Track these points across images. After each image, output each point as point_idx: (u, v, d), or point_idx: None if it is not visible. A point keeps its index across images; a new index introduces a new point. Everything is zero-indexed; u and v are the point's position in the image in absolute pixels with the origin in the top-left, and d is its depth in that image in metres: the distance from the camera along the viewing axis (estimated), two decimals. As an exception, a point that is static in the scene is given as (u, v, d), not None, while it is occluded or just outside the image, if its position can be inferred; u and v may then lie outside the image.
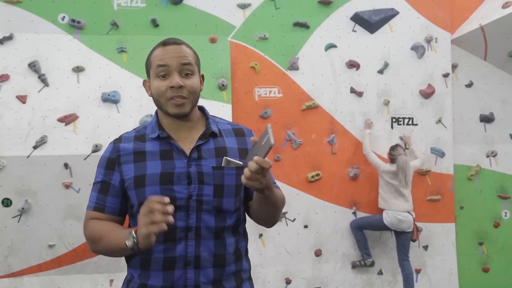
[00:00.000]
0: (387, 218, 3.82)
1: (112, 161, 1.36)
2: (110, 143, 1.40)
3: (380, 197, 3.92)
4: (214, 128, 1.38)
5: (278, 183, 1.56)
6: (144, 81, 1.42)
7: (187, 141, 1.35)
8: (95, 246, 1.33)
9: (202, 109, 1.45)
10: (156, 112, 1.41)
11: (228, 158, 1.26)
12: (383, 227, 3.88)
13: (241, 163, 1.28)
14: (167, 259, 1.28)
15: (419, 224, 3.97)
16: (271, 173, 1.43)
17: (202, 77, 1.42)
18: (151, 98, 1.39)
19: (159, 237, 1.25)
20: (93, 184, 1.39)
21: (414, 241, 3.90)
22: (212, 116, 1.45)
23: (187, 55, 1.33)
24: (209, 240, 1.30)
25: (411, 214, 3.81)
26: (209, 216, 1.31)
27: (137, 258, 1.32)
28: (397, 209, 3.78)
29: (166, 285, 1.28)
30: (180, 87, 1.29)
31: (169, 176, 1.29)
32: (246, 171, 1.15)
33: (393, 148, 3.91)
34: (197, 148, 1.33)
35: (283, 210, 3.87)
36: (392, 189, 3.82)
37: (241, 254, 1.40)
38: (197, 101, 1.37)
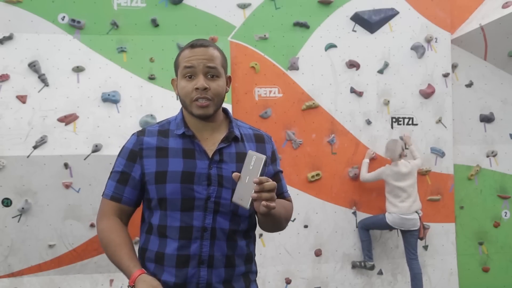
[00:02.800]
0: (390, 217, 3.83)
1: (134, 153, 1.38)
2: (133, 135, 1.43)
3: (387, 202, 3.89)
4: (237, 132, 1.41)
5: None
6: (172, 80, 1.45)
7: (209, 142, 1.38)
8: (103, 249, 1.36)
9: (225, 112, 1.48)
10: (182, 110, 1.44)
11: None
12: (387, 226, 3.89)
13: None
14: (181, 256, 1.31)
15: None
16: (284, 181, 1.50)
17: (229, 78, 1.45)
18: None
19: (174, 233, 1.31)
20: (112, 172, 1.41)
21: (421, 239, 3.90)
22: (235, 119, 1.48)
23: (214, 57, 1.36)
24: (222, 241, 1.33)
25: (417, 213, 3.81)
26: (225, 219, 1.34)
27: (152, 251, 1.35)
28: (406, 212, 3.76)
29: (179, 282, 1.31)
30: (205, 89, 1.32)
31: (190, 175, 1.32)
32: (255, 196, 1.17)
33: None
34: (219, 151, 1.36)
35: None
36: (398, 191, 3.80)
37: (252, 257, 1.44)
38: (221, 103, 1.40)
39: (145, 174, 1.36)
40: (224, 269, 1.34)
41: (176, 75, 1.41)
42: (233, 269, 1.35)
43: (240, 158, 1.34)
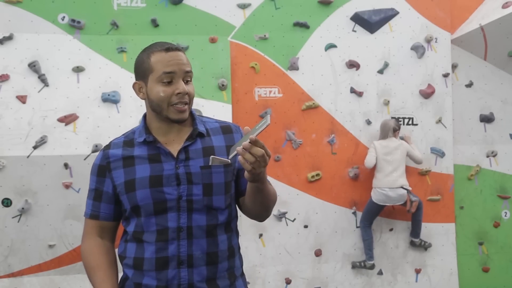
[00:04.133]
0: (374, 195, 3.90)
1: (102, 168, 1.40)
2: (100, 151, 1.44)
3: (374, 178, 3.96)
4: (201, 128, 1.40)
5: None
6: (135, 83, 1.39)
7: (175, 143, 1.37)
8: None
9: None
10: (144, 117, 1.43)
11: (214, 156, 1.28)
12: (376, 206, 3.92)
13: (228, 160, 1.31)
14: (160, 259, 1.31)
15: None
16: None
17: None
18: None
19: (151, 237, 1.31)
20: (88, 191, 1.43)
21: (408, 211, 3.91)
22: (199, 116, 1.47)
23: (188, 62, 1.36)
24: (201, 238, 1.32)
25: (404, 189, 3.86)
26: (200, 215, 1.33)
27: (129, 258, 1.35)
28: (388, 186, 3.83)
29: (160, 285, 1.30)
30: (186, 94, 1.33)
31: (158, 178, 1.32)
32: (240, 150, 1.14)
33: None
34: (184, 149, 1.36)
35: (283, 210, 3.92)
36: (385, 164, 3.85)
37: (234, 250, 1.42)
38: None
39: (116, 186, 1.37)
40: (206, 267, 1.32)
41: (141, 78, 1.36)
42: (215, 266, 1.34)
43: (208, 153, 1.35)
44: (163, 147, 1.36)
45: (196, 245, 1.31)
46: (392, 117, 4.12)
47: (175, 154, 1.35)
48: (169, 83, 1.32)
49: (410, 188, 3.89)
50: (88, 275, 1.35)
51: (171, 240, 1.30)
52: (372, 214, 3.99)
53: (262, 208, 1.40)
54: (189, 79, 1.35)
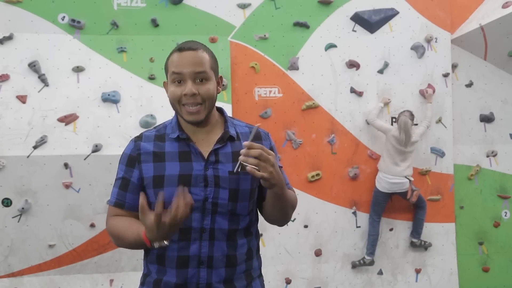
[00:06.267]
0: (378, 184, 3.93)
1: (132, 158, 1.39)
2: (131, 140, 1.44)
3: (381, 159, 3.99)
4: (232, 131, 1.41)
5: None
6: (164, 82, 1.44)
7: (204, 144, 1.38)
8: (117, 242, 1.38)
9: (220, 111, 1.48)
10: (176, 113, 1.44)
11: (243, 162, 1.26)
12: (382, 195, 3.94)
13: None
14: (181, 258, 1.33)
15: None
16: (285, 175, 1.47)
17: (221, 78, 1.44)
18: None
19: (174, 236, 1.30)
20: (115, 180, 1.43)
21: (408, 200, 3.94)
22: (231, 118, 1.48)
23: (203, 61, 1.34)
24: (222, 241, 1.34)
25: (408, 179, 3.90)
26: (223, 219, 1.34)
27: (153, 253, 1.37)
28: (397, 174, 3.86)
29: (180, 283, 1.33)
30: (193, 94, 1.31)
31: (187, 178, 1.33)
32: (241, 158, 1.19)
33: (401, 112, 4.00)
34: (214, 151, 1.36)
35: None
36: (396, 153, 3.86)
37: (252, 253, 1.44)
38: (213, 106, 1.39)
39: (144, 178, 1.37)
40: (225, 269, 1.34)
41: (166, 77, 1.40)
42: (234, 269, 1.36)
43: (237, 157, 1.34)
44: (195, 146, 1.36)
45: (217, 247, 1.33)
46: (405, 111, 4.01)
47: (205, 155, 1.35)
48: (179, 82, 1.33)
49: (412, 179, 3.93)
50: (121, 240, 1.34)
51: (193, 240, 1.32)
52: (379, 205, 4.00)
53: (280, 214, 1.40)
54: (203, 79, 1.33)
